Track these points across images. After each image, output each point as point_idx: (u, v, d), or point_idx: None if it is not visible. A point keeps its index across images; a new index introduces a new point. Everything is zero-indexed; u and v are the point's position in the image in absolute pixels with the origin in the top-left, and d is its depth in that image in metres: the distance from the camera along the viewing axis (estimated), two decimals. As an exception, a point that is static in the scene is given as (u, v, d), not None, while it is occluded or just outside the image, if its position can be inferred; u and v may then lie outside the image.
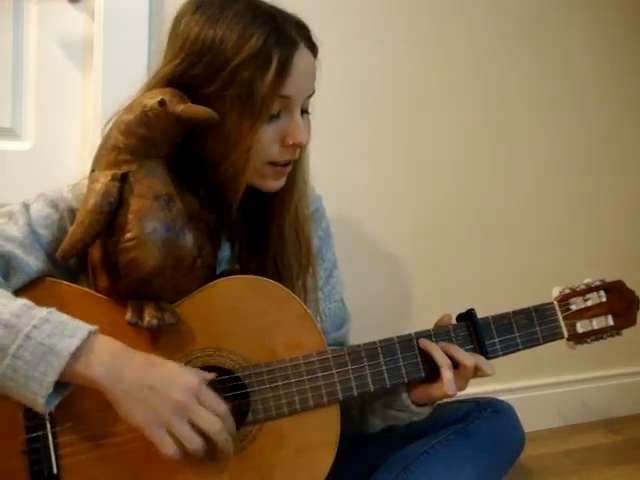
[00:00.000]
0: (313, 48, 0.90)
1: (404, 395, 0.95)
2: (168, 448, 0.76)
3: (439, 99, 1.59)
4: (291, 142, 0.88)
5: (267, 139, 0.86)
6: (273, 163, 0.89)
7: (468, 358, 0.92)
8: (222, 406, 0.81)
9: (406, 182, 1.59)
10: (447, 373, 0.90)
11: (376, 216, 1.56)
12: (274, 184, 0.91)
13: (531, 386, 1.74)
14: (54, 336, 0.75)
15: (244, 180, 0.87)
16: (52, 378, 0.74)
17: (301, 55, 0.86)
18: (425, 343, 0.93)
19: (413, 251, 1.60)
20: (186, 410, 0.77)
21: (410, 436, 1.02)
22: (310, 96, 0.91)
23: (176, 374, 0.79)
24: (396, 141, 1.57)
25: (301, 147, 0.90)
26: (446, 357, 0.92)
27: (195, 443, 0.77)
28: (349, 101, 1.51)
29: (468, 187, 1.65)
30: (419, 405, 0.96)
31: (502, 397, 1.13)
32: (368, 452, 1.06)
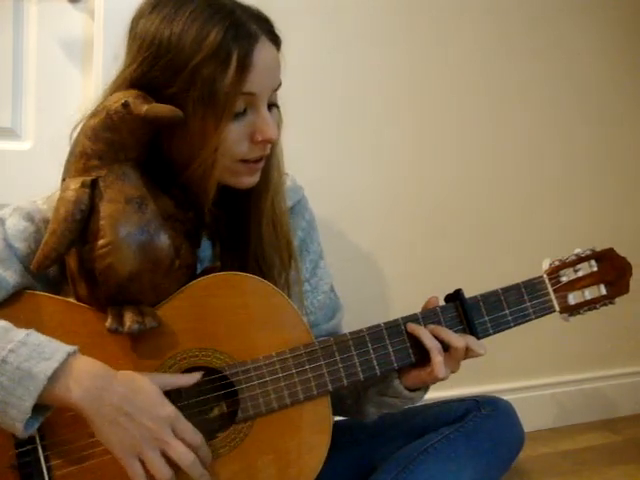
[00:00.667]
0: (276, 41, 0.87)
1: (396, 381, 0.94)
2: (138, 477, 0.76)
3: (439, 99, 1.59)
4: (260, 138, 0.86)
5: (235, 137, 0.85)
6: (244, 160, 0.87)
7: (458, 340, 0.91)
8: (197, 437, 0.80)
9: (406, 182, 1.59)
10: (437, 357, 0.89)
11: (375, 216, 1.56)
12: (248, 180, 0.90)
13: (531, 386, 1.74)
14: (31, 359, 0.74)
15: (213, 180, 0.86)
16: (29, 403, 0.73)
17: (262, 49, 0.83)
18: (413, 327, 0.92)
19: (412, 251, 1.60)
20: (159, 440, 0.76)
21: (409, 435, 1.02)
22: (276, 89, 0.88)
23: (154, 404, 0.78)
24: (396, 141, 1.57)
25: (271, 143, 0.88)
26: (435, 340, 0.90)
27: (164, 474, 0.77)
28: (349, 101, 1.51)
29: (468, 187, 1.65)
30: (412, 390, 0.95)
31: (502, 397, 1.13)
32: (367, 451, 1.06)
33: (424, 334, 0.91)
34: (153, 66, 0.82)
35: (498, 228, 1.69)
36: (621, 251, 1.72)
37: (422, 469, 0.96)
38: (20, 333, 0.76)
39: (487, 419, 1.03)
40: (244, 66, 0.81)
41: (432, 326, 0.92)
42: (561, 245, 1.73)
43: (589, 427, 1.78)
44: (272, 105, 0.89)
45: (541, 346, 1.61)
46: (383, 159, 1.56)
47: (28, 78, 1.30)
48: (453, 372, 0.92)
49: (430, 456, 0.98)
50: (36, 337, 0.77)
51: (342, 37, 1.48)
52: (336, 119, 1.49)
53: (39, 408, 0.75)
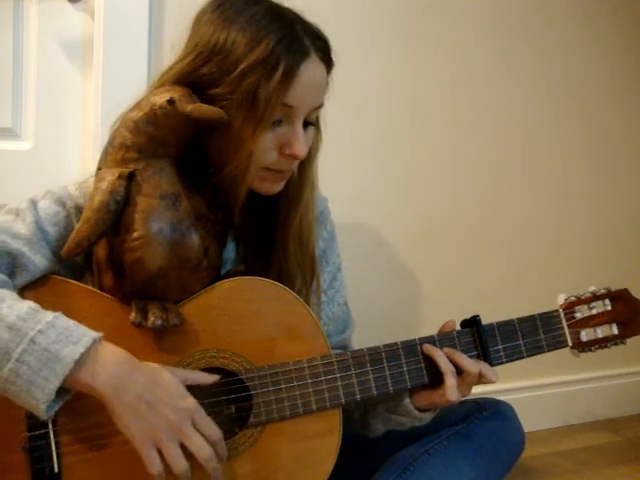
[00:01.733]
0: (328, 62, 0.89)
1: (407, 400, 0.94)
2: (154, 467, 0.76)
3: (440, 100, 1.59)
4: (287, 152, 0.86)
5: (266, 145, 0.85)
6: (268, 169, 0.88)
7: (472, 365, 0.92)
8: (216, 432, 0.80)
9: (408, 184, 1.58)
10: (450, 380, 0.90)
11: (377, 218, 1.56)
12: (270, 187, 0.90)
13: (531, 386, 1.74)
14: (59, 342, 0.75)
15: (245, 185, 0.86)
16: (54, 385, 0.74)
17: (310, 66, 0.84)
18: (430, 349, 0.93)
19: (414, 252, 1.60)
20: (179, 431, 0.77)
21: (410, 436, 1.02)
22: (317, 108, 0.89)
23: (175, 394, 0.79)
24: (398, 142, 1.56)
25: (297, 159, 0.88)
26: (450, 364, 0.91)
27: (181, 467, 0.76)
28: (351, 102, 1.50)
29: (470, 188, 1.65)
30: (422, 410, 0.96)
31: (502, 397, 1.13)
32: (369, 452, 1.06)
33: (440, 357, 0.92)
34: (205, 63, 0.83)
35: (500, 230, 1.69)
36: (619, 251, 1.72)
37: (423, 470, 0.97)
38: (48, 315, 0.77)
39: (488, 421, 1.03)
40: (288, 78, 0.82)
41: (447, 349, 0.93)
42: (561, 247, 1.75)
43: (589, 427, 1.78)
44: (309, 124, 0.90)
45: (541, 346, 1.61)
46: (385, 160, 1.56)
47: (28, 78, 1.30)
48: (463, 396, 0.93)
49: (431, 457, 0.98)
50: (64, 320, 0.77)
51: (343, 37, 1.47)
52: (337, 120, 1.48)
53: (60, 391, 0.75)
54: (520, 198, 1.71)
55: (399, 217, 1.58)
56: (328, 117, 1.45)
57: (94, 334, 0.77)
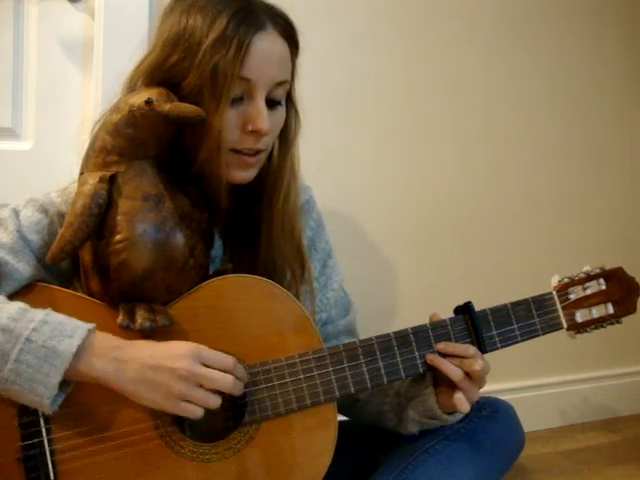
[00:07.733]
0: (289, 39, 0.88)
1: (435, 405, 0.94)
2: (195, 414, 0.79)
3: (437, 101, 1.59)
4: (250, 128, 0.86)
5: (229, 124, 0.85)
6: (236, 151, 0.88)
7: (466, 348, 0.92)
8: (228, 359, 0.82)
9: (405, 183, 1.59)
10: (458, 393, 0.90)
11: (374, 217, 1.56)
12: (240, 175, 0.90)
13: (531, 386, 1.74)
14: (54, 337, 0.76)
15: (220, 170, 0.86)
16: (56, 379, 0.75)
17: (265, 38, 0.84)
18: (432, 359, 0.92)
19: (412, 251, 1.60)
20: (194, 377, 0.78)
21: (410, 435, 1.02)
22: (281, 84, 0.88)
23: (172, 346, 0.80)
24: (395, 142, 1.57)
25: (261, 134, 0.87)
26: (457, 369, 0.90)
27: (215, 402, 0.80)
28: (350, 102, 1.51)
29: (466, 189, 1.65)
30: (448, 413, 0.96)
31: (502, 397, 1.13)
32: (368, 451, 1.06)
33: (444, 364, 0.91)
34: (173, 50, 0.84)
35: (496, 229, 1.69)
36: (616, 249, 1.72)
37: (422, 470, 0.96)
38: (39, 313, 0.78)
39: (487, 420, 1.03)
40: (242, 49, 0.82)
41: (440, 345, 0.93)
42: (559, 246, 1.75)
43: (589, 427, 1.78)
44: (276, 103, 0.89)
45: (541, 346, 1.61)
46: (382, 161, 1.56)
47: (28, 78, 1.31)
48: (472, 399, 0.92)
49: (430, 457, 0.97)
50: (55, 316, 0.78)
51: (343, 38, 1.48)
52: (335, 120, 1.49)
53: (62, 384, 0.76)
54: (517, 196, 1.71)
55: (397, 217, 1.59)
56: (327, 117, 1.46)
57: (87, 325, 0.78)
